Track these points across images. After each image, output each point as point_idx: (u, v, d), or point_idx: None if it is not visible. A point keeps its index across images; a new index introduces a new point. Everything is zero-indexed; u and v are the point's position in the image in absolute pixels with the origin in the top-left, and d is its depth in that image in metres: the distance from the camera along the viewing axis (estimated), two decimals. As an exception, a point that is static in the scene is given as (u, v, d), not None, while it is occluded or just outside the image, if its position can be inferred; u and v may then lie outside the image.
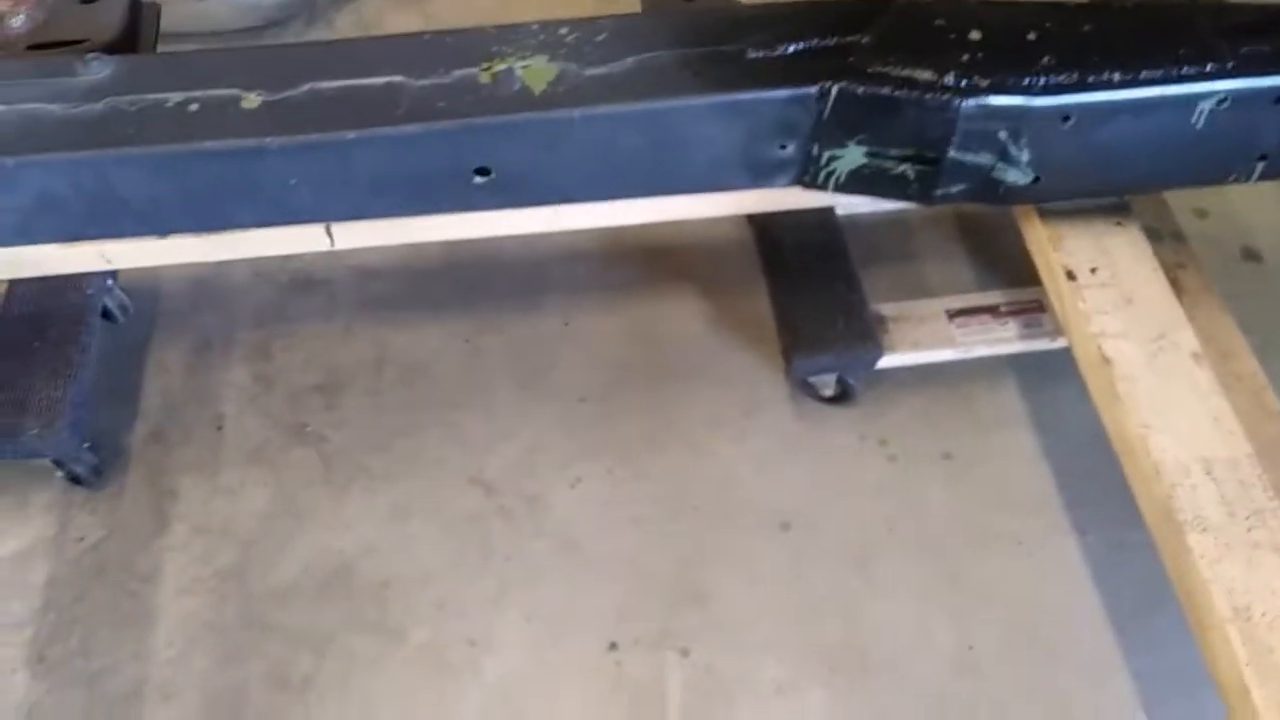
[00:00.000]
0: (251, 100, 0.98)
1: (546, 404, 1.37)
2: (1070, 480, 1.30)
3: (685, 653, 1.19)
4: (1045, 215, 1.08)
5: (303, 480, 1.32)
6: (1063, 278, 1.03)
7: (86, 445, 1.27)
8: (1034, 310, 1.30)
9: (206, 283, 1.48)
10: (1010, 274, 1.45)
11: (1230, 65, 0.96)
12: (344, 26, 1.78)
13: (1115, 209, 1.08)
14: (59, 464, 1.26)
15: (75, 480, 1.29)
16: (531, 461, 1.33)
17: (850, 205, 1.40)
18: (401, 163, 0.98)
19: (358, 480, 1.32)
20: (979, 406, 1.37)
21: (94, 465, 1.29)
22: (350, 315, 1.45)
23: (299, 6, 1.74)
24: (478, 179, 1.00)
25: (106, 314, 1.40)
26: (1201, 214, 1.55)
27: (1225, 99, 0.97)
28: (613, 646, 1.20)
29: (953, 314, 1.30)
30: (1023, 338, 1.28)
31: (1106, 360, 0.97)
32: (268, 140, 0.95)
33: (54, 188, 0.96)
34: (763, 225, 1.40)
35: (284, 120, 0.96)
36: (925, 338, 1.28)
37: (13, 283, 1.33)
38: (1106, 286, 1.00)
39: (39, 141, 0.96)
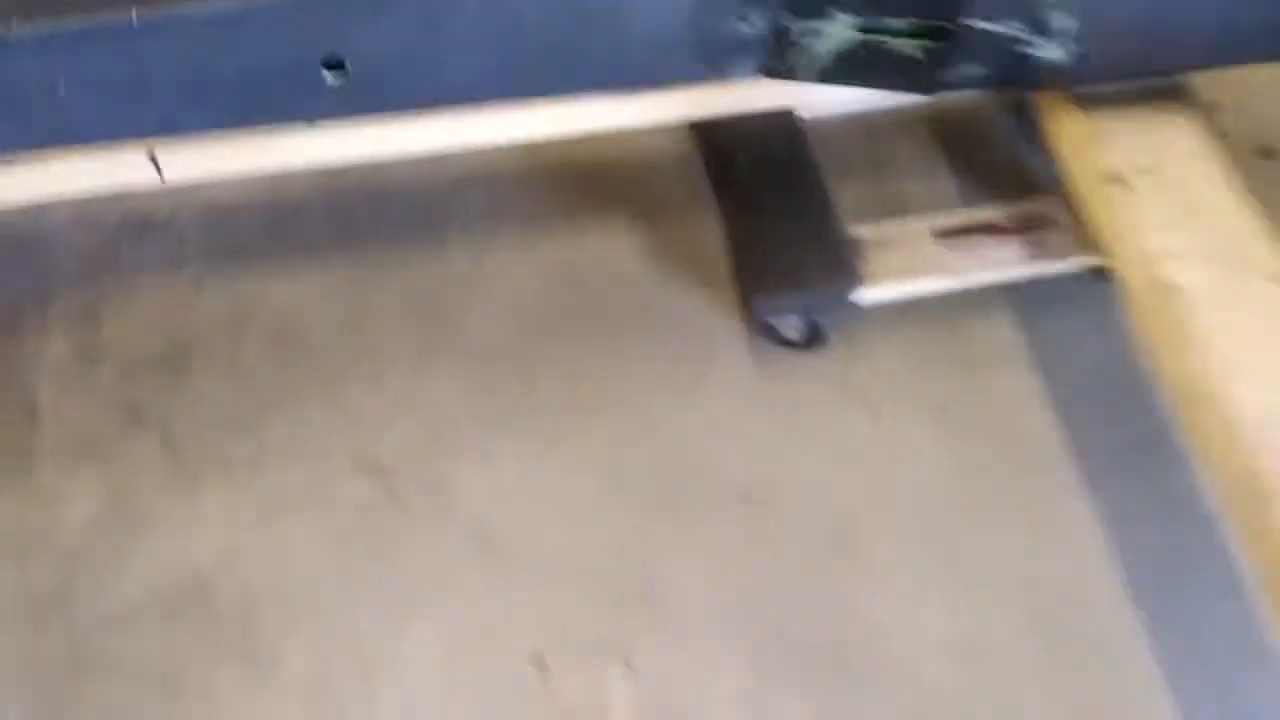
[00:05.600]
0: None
1: (452, 365, 1.11)
2: (1079, 429, 1.09)
3: (629, 663, 0.96)
4: (1081, 103, 0.84)
5: (143, 476, 1.04)
6: (1106, 182, 0.80)
7: None
8: (1038, 227, 1.08)
9: (14, 232, 1.18)
10: (1002, 187, 1.23)
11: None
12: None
13: (1170, 94, 0.85)
14: None
15: None
16: (435, 436, 1.07)
17: (811, 107, 1.16)
18: (213, 57, 0.70)
19: (214, 472, 1.05)
20: (973, 345, 1.14)
21: None
22: (201, 264, 1.17)
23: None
24: (328, 76, 0.73)
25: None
26: (1215, 106, 1.33)
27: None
28: (540, 662, 0.96)
29: (943, 234, 1.07)
30: (1028, 260, 1.06)
31: (1169, 287, 0.75)
32: (8, 32, 0.67)
33: None
34: (709, 136, 1.14)
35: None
36: (912, 265, 1.05)
37: None
38: (1164, 192, 0.78)
39: None
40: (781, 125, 1.11)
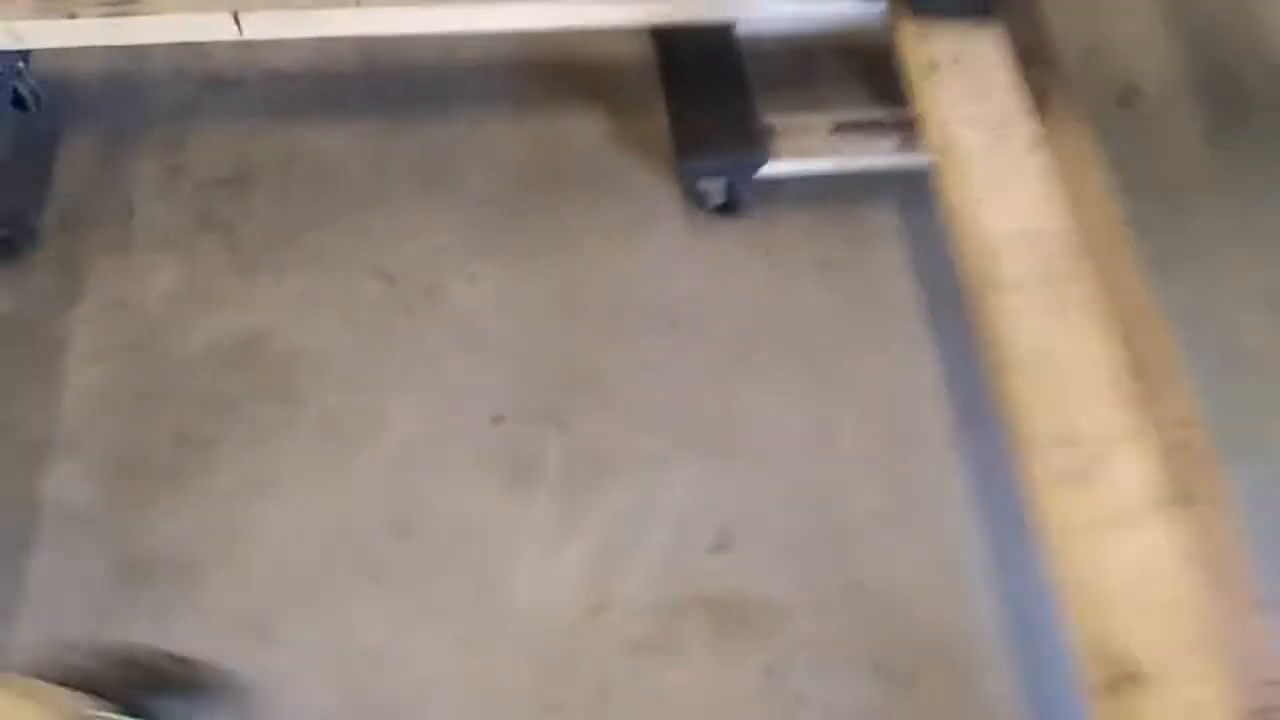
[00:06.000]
0: None
1: (450, 204, 1.43)
2: (934, 290, 1.39)
3: (567, 427, 1.28)
4: (917, 13, 1.14)
5: (211, 265, 1.37)
6: (925, 70, 1.10)
7: (-3, 218, 1.32)
8: (913, 127, 1.37)
9: (120, 78, 1.50)
10: (901, 101, 1.52)
11: None
12: None
13: (980, 15, 1.15)
14: (-31, 234, 1.31)
15: (-13, 255, 1.33)
16: (433, 257, 1.39)
17: (753, 23, 1.46)
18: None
19: (264, 267, 1.37)
20: (859, 222, 1.45)
21: (8, 239, 1.33)
22: (262, 114, 1.49)
23: None
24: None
25: (19, 101, 1.42)
26: (1088, 56, 1.62)
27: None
28: (499, 419, 1.28)
29: (837, 127, 1.37)
30: (900, 150, 1.35)
31: (952, 142, 1.05)
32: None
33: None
34: (664, 39, 1.44)
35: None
36: (810, 147, 1.35)
37: (-79, 60, 1.35)
38: (962, 78, 1.08)
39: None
40: (721, 36, 1.41)
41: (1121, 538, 0.87)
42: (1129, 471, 0.90)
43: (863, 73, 1.51)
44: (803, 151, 1.35)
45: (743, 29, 1.44)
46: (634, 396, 1.31)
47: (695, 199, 1.41)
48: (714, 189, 1.39)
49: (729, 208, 1.41)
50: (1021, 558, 1.20)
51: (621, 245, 1.41)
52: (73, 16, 1.28)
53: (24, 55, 1.41)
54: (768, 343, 1.35)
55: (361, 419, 1.28)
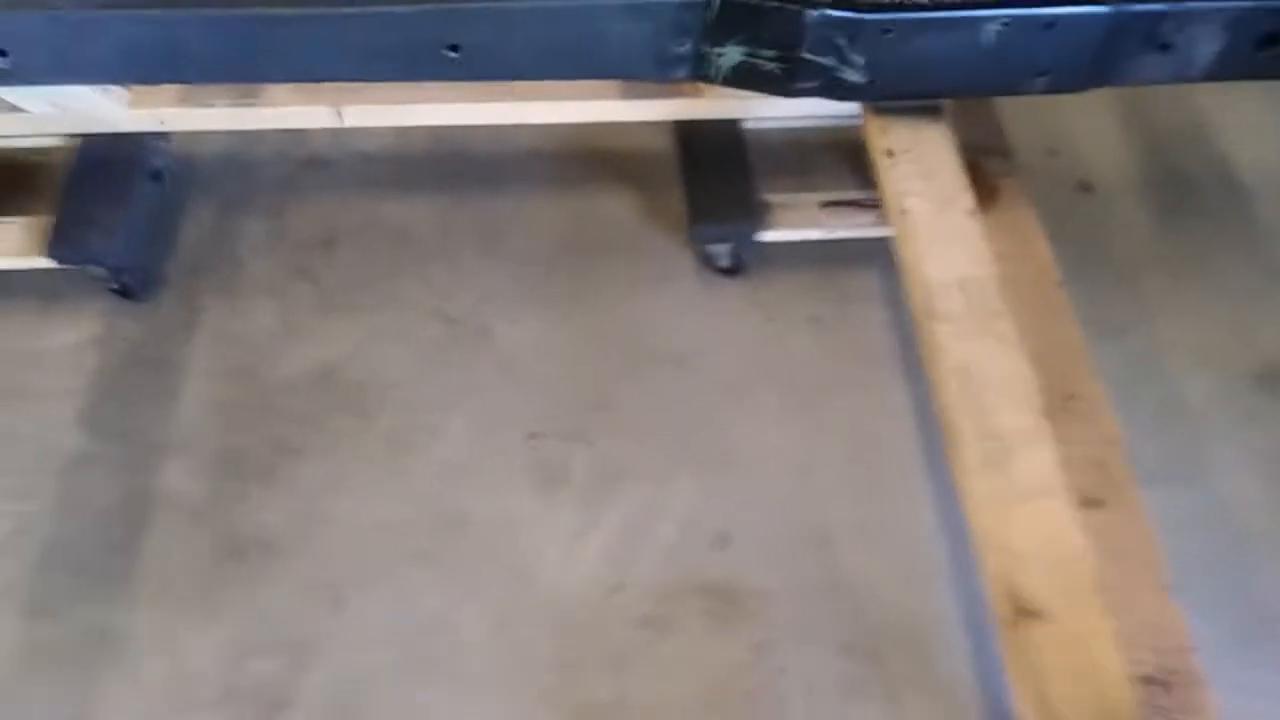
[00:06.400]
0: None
1: (501, 262, 1.71)
2: (907, 342, 1.63)
3: (589, 444, 1.53)
4: (881, 113, 1.42)
5: (302, 307, 1.66)
6: (885, 156, 1.38)
7: (134, 263, 1.62)
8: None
9: (235, 158, 1.82)
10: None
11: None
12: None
13: (932, 113, 1.43)
14: (112, 274, 1.60)
15: (123, 293, 1.63)
16: (485, 304, 1.67)
17: (758, 121, 1.75)
18: (391, 35, 1.33)
19: (345, 310, 1.66)
20: (847, 285, 1.70)
21: (140, 280, 1.63)
22: (349, 189, 1.79)
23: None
24: (450, 54, 1.34)
25: (156, 175, 1.74)
26: (1052, 153, 1.90)
27: (1007, 22, 1.32)
28: (533, 436, 1.53)
29: (824, 204, 1.64)
30: (876, 225, 1.62)
31: (904, 211, 1.32)
32: (289, 10, 1.30)
33: (132, 37, 1.30)
34: (683, 131, 1.74)
35: (305, -3, 1.30)
36: (800, 220, 1.62)
37: (86, 138, 1.67)
38: (913, 161, 1.35)
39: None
40: (730, 129, 1.70)
41: (1028, 509, 1.09)
42: (1039, 461, 1.13)
43: (847, 161, 1.79)
44: (794, 223, 1.62)
45: (748, 124, 1.73)
46: (647, 420, 1.56)
47: (705, 261, 1.69)
48: (721, 253, 1.66)
49: (733, 269, 1.68)
50: (973, 558, 1.41)
51: (641, 297, 1.68)
52: (208, 106, 1.61)
53: (163, 136, 1.73)
54: (762, 380, 1.60)
55: (420, 433, 1.54)
